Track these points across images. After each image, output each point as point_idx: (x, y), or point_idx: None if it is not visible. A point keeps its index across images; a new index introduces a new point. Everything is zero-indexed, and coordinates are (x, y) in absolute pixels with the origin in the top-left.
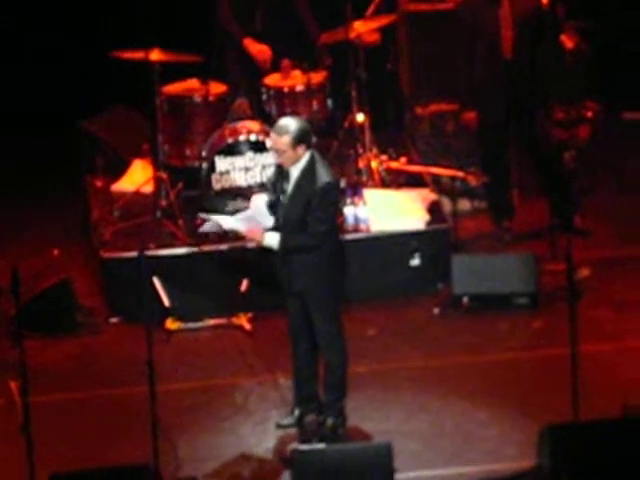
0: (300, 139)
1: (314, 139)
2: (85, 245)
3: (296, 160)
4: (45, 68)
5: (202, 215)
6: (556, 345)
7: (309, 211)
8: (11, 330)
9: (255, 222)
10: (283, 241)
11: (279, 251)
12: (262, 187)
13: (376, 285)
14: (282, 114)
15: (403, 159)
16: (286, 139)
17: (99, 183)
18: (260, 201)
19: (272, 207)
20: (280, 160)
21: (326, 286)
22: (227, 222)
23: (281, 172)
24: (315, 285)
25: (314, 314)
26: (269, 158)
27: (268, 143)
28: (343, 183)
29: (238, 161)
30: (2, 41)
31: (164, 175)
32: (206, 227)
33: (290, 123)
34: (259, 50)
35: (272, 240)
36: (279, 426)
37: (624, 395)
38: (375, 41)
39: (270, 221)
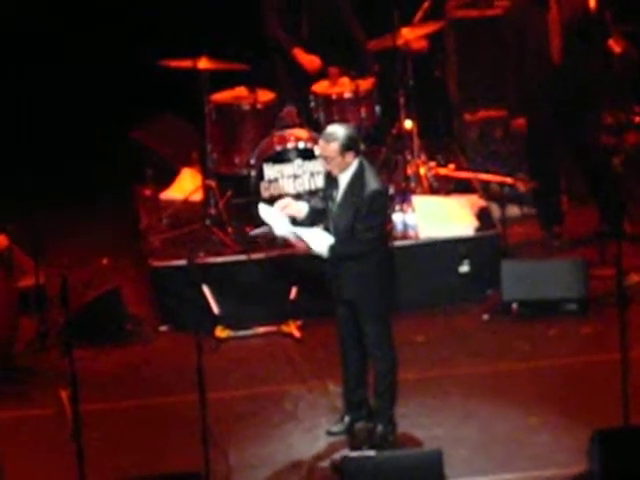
0: (348, 146)
1: (362, 146)
2: (134, 254)
3: (344, 167)
4: (93, 77)
5: (261, 206)
6: (606, 351)
7: (358, 219)
8: (61, 339)
9: (311, 236)
10: (332, 249)
11: (328, 259)
12: (311, 194)
13: (425, 292)
14: (330, 121)
15: (452, 165)
16: (334, 146)
17: (148, 191)
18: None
19: (321, 214)
20: (328, 167)
21: (375, 293)
22: (281, 229)
23: (330, 179)
24: (365, 292)
25: (363, 321)
26: (317, 166)
27: (316, 150)
28: (392, 190)
29: (286, 169)
30: (51, 50)
31: (213, 183)
32: (257, 231)
33: (338, 130)
34: (309, 60)
35: (322, 248)
36: (329, 433)
37: None
38: (423, 48)
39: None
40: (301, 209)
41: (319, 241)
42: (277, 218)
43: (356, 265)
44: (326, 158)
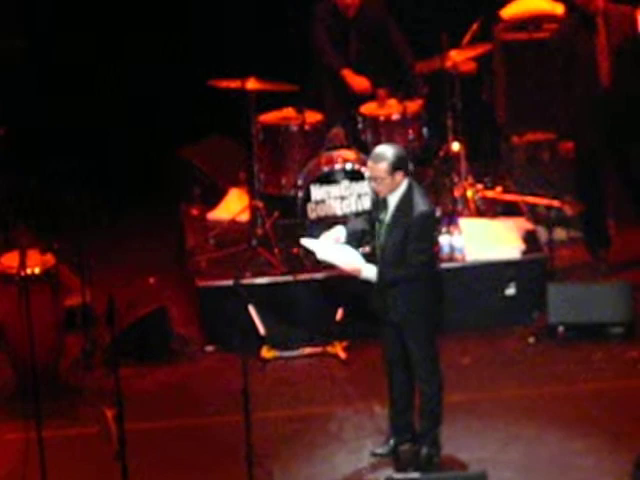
0: (397, 165)
1: (411, 166)
2: (181, 273)
3: (394, 188)
4: (142, 97)
5: (303, 242)
6: None
7: (408, 242)
8: (106, 358)
9: (351, 256)
10: (382, 274)
11: (378, 284)
12: (358, 216)
13: (471, 314)
14: (378, 143)
15: (499, 188)
16: (383, 165)
17: (195, 211)
18: (339, 234)
19: (361, 236)
20: (378, 188)
21: (422, 315)
22: (322, 253)
23: (379, 202)
24: (411, 315)
25: (410, 343)
26: (365, 187)
27: (365, 171)
28: (439, 212)
29: (334, 190)
30: (102, 70)
31: (260, 204)
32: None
33: (387, 150)
34: (358, 82)
35: (370, 273)
36: (374, 455)
37: None
38: (471, 70)
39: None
40: (339, 235)
41: (361, 264)
42: (322, 244)
43: (403, 287)
44: (376, 179)
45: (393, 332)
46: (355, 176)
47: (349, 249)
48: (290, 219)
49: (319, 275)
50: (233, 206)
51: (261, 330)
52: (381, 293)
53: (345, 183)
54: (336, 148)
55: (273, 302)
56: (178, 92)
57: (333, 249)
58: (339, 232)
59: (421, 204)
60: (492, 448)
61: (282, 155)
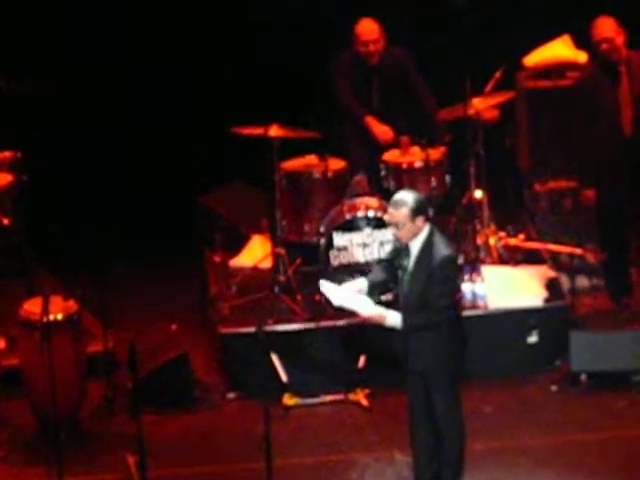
0: (418, 210)
1: (431, 213)
2: (203, 320)
3: (416, 233)
4: (165, 143)
5: (322, 285)
6: None
7: (431, 286)
8: (128, 404)
9: (370, 305)
10: (406, 320)
11: (402, 330)
12: (380, 263)
13: (493, 362)
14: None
15: (521, 236)
16: (404, 211)
17: (217, 258)
18: (360, 285)
19: (381, 285)
20: (400, 234)
21: (447, 363)
22: (339, 299)
23: (401, 249)
24: (434, 362)
25: (432, 390)
26: (387, 234)
27: (386, 218)
28: (461, 259)
29: (356, 237)
30: (124, 114)
31: (282, 251)
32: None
33: (406, 195)
34: (382, 131)
35: (394, 320)
36: None
37: None
38: (494, 117)
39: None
40: (361, 287)
41: (384, 311)
42: (340, 291)
43: (426, 335)
44: (397, 225)
45: (416, 380)
46: (378, 224)
47: (368, 300)
48: (312, 266)
49: (341, 322)
50: (255, 253)
51: (283, 377)
52: (404, 340)
53: (368, 230)
54: (359, 195)
55: (295, 349)
56: (201, 139)
57: (351, 297)
58: (361, 284)
59: (443, 248)
60: None
61: (305, 202)
